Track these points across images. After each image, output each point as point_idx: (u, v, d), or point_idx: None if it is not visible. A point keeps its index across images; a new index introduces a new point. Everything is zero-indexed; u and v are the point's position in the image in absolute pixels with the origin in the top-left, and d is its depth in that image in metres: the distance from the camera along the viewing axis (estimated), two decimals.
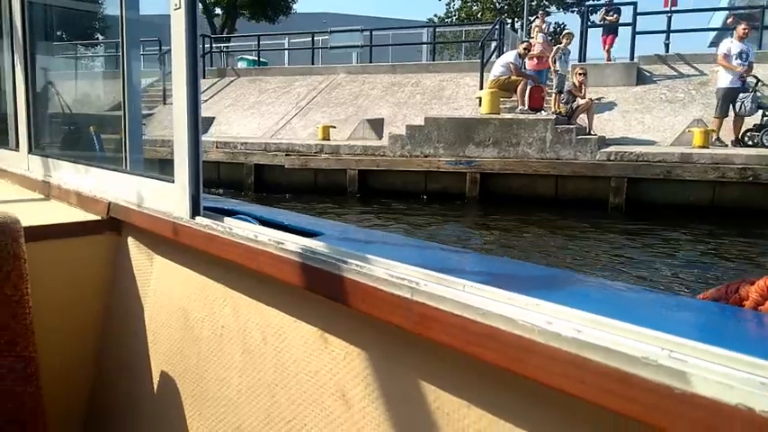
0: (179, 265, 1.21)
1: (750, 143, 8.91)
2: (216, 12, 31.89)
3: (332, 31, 16.16)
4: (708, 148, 8.60)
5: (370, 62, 16.14)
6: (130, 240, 1.38)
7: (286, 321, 0.92)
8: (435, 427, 0.68)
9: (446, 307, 0.62)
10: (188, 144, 1.12)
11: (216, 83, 16.49)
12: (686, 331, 0.48)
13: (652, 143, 9.99)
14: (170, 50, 1.13)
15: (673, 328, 0.49)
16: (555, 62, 10.25)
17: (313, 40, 16.52)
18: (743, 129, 9.18)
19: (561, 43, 10.17)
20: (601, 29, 13.36)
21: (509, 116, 9.40)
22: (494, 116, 9.40)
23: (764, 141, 8.69)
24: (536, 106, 9.58)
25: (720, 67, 9.35)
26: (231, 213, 1.13)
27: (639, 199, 8.44)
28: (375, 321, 0.72)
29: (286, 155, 10.49)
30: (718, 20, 23.67)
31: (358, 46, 16.04)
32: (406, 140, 9.85)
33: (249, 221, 1.07)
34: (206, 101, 15.55)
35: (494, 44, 14.23)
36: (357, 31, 15.89)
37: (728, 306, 0.65)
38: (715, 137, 9.01)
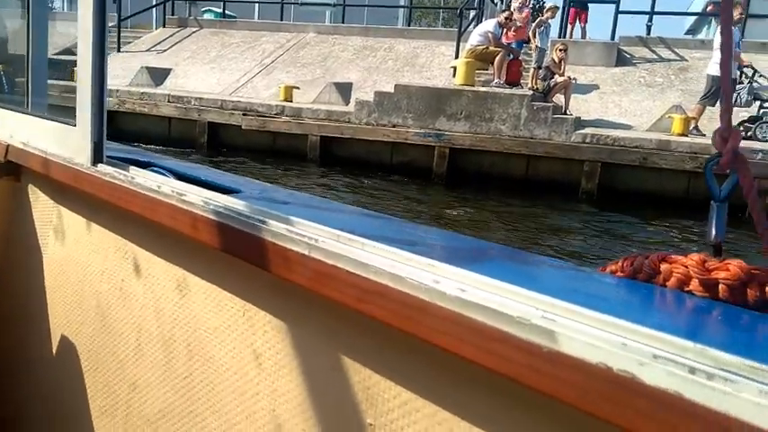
0: (79, 215, 1.18)
1: (744, 136, 8.55)
2: None
3: None
4: (687, 136, 8.24)
5: (343, 23, 15.29)
6: (30, 187, 1.33)
7: (187, 276, 0.90)
8: (335, 385, 0.70)
9: (342, 264, 0.62)
10: (92, 87, 1.05)
11: (176, 33, 15.39)
12: (564, 294, 0.49)
13: (628, 127, 9.61)
14: None
15: (552, 291, 0.50)
16: (535, 36, 9.64)
17: None
18: (735, 121, 8.81)
19: (543, 16, 9.56)
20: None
21: (484, 89, 8.84)
22: (468, 88, 8.83)
23: (758, 135, 8.32)
24: (513, 80, 9.04)
25: (715, 53, 8.88)
26: (145, 165, 1.08)
27: (612, 186, 8.06)
28: (274, 278, 0.72)
29: (244, 114, 9.74)
30: (696, 7, 23.49)
31: (330, 4, 15.13)
32: (374, 108, 9.22)
33: (163, 174, 1.01)
34: (164, 51, 14.51)
35: (473, 13, 13.58)
36: None
37: (617, 278, 0.65)
38: (693, 125, 8.65)
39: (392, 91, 9.19)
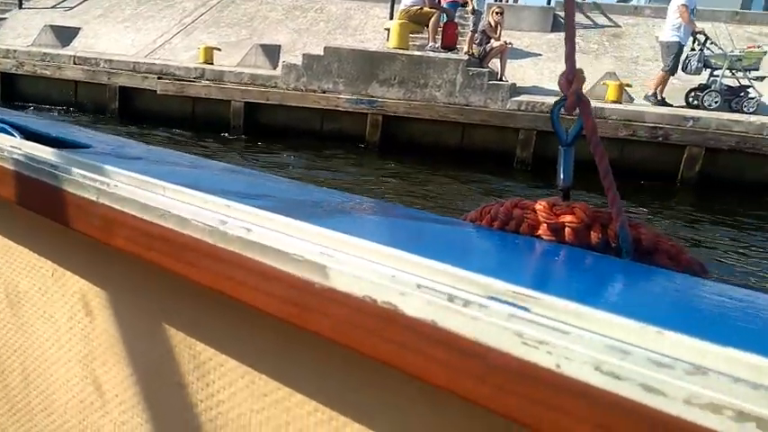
0: None
1: (695, 103, 8.47)
2: None
3: None
4: (620, 103, 8.14)
5: None
6: None
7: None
8: (115, 332, 0.71)
9: (131, 210, 0.59)
10: None
11: None
12: (352, 230, 0.47)
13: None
14: None
15: (348, 229, 0.48)
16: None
17: None
18: (685, 89, 8.67)
19: None
20: None
21: (418, 53, 8.40)
22: (402, 52, 8.36)
23: (705, 103, 8.24)
24: (449, 44, 8.63)
25: (672, 19, 8.62)
26: None
27: (546, 155, 7.88)
28: (75, 233, 0.67)
29: (159, 78, 8.91)
30: None
31: None
32: (302, 72, 8.62)
33: (6, 130, 0.91)
34: (72, 8, 13.19)
35: None
36: None
37: (472, 226, 0.64)
38: (652, 92, 8.45)
39: (322, 54, 8.60)
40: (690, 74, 8.57)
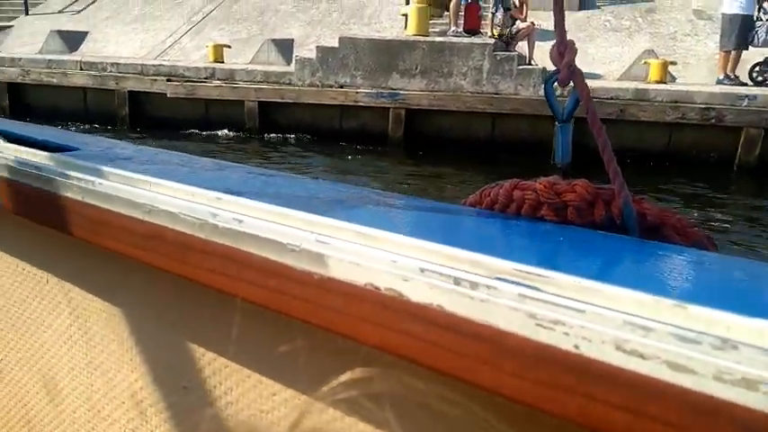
0: None
1: (760, 79, 7.68)
2: None
3: None
4: (665, 83, 7.47)
5: None
6: None
7: None
8: (117, 337, 0.69)
9: (118, 207, 0.57)
10: None
11: None
12: (350, 218, 0.45)
13: (597, 77, 8.80)
14: None
15: (341, 216, 0.46)
16: None
17: None
18: (751, 62, 7.77)
19: None
20: None
21: (440, 39, 7.82)
22: (422, 38, 7.79)
23: None
24: (472, 28, 8.02)
25: None
26: None
27: (586, 143, 7.25)
28: (50, 231, 0.66)
29: (168, 80, 8.47)
30: None
31: None
32: (317, 66, 8.10)
33: None
34: (79, 12, 12.84)
35: None
36: None
37: (473, 210, 0.63)
38: (723, 74, 7.70)
39: (337, 46, 8.07)
40: (757, 46, 7.73)
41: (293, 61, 9.01)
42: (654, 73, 7.57)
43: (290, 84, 8.28)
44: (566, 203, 0.56)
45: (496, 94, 7.45)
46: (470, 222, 0.59)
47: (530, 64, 8.33)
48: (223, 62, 9.21)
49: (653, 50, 8.75)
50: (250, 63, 9.75)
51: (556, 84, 0.59)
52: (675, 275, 0.44)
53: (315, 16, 11.74)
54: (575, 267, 0.39)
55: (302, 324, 0.45)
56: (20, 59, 9.26)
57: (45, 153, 0.71)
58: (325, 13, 11.83)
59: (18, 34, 12.22)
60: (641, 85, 7.28)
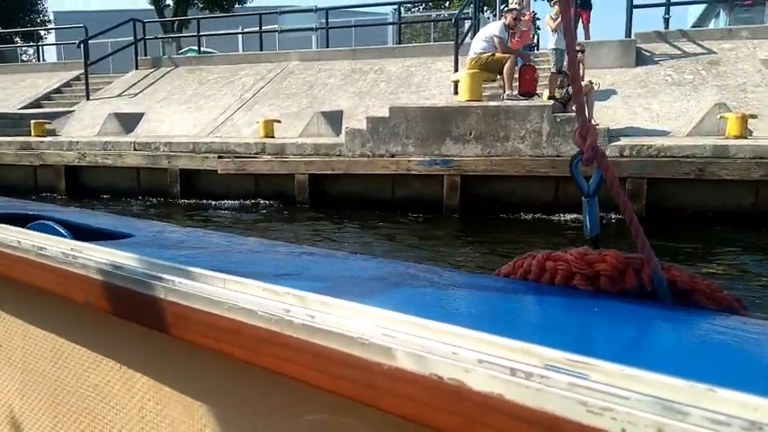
0: None
1: None
2: (167, 2, 29.47)
3: (281, 12, 14.03)
4: (746, 138, 6.86)
5: (328, 47, 14.11)
6: None
7: (60, 332, 0.87)
8: (194, 425, 0.70)
9: (198, 305, 0.61)
10: None
11: (149, 74, 14.25)
12: (418, 308, 0.52)
13: (665, 134, 8.25)
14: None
15: (407, 307, 0.52)
16: (555, 33, 8.15)
17: (260, 22, 14.35)
18: None
19: (555, 7, 8.13)
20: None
21: (495, 103, 7.51)
22: (476, 104, 7.50)
23: None
24: (528, 90, 7.70)
25: None
26: (34, 219, 1.07)
27: (663, 205, 6.66)
28: (135, 327, 0.70)
29: (219, 157, 8.43)
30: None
31: (312, 28, 13.96)
32: (368, 136, 7.90)
33: (54, 229, 0.99)
34: (136, 95, 13.34)
35: (468, 23, 12.40)
36: (310, 11, 13.82)
37: (507, 281, 0.67)
38: None
39: (387, 115, 7.88)
40: None
41: (343, 132, 8.89)
42: (732, 127, 6.98)
43: (340, 155, 8.09)
44: (598, 273, 0.60)
45: (558, 156, 7.00)
46: (513, 297, 0.63)
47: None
48: (273, 137, 9.17)
49: (724, 104, 8.18)
50: (300, 136, 9.70)
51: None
52: (708, 347, 0.47)
53: (362, 87, 11.76)
54: (616, 345, 0.45)
55: (374, 411, 0.47)
56: (77, 143, 9.49)
57: (121, 252, 0.73)
58: (372, 84, 11.84)
59: (79, 118, 12.72)
60: (720, 141, 6.70)
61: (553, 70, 8.23)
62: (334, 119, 10.34)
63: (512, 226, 6.99)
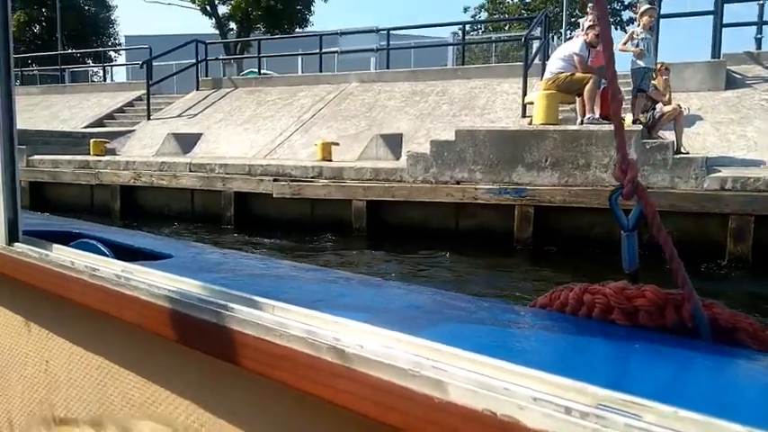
0: None
1: None
2: (230, 26, 30.21)
3: (342, 33, 13.79)
4: None
5: (388, 68, 13.74)
6: None
7: (108, 352, 0.89)
8: None
9: (249, 330, 0.62)
10: (2, 162, 0.99)
11: (209, 95, 14.26)
12: (465, 340, 0.53)
13: (762, 163, 7.35)
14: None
15: (453, 338, 0.53)
16: (638, 47, 7.32)
17: (321, 43, 14.16)
18: None
19: (641, 21, 7.34)
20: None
21: (574, 127, 6.83)
22: (553, 127, 6.84)
23: None
24: (610, 114, 6.97)
25: None
26: (75, 237, 1.09)
27: None
28: (185, 350, 0.70)
29: (274, 180, 8.06)
30: None
31: (373, 49, 13.64)
32: (431, 161, 7.35)
33: (96, 247, 1.03)
34: (195, 115, 13.33)
35: (536, 44, 11.76)
36: (371, 32, 13.52)
37: (544, 312, 0.67)
38: None
39: (453, 139, 7.32)
40: None
41: (403, 156, 8.37)
42: None
43: (401, 180, 7.57)
44: (636, 308, 0.60)
45: (648, 187, 6.22)
46: (556, 331, 0.63)
47: (679, 152, 7.09)
48: (331, 159, 8.76)
49: None
50: (358, 159, 9.27)
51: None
52: (749, 389, 0.47)
53: (424, 110, 11.27)
54: (665, 386, 0.45)
55: None
56: (133, 162, 9.36)
57: (171, 275, 0.75)
58: (434, 106, 11.34)
59: (139, 137, 12.77)
60: None
61: (636, 91, 7.47)
62: (393, 142, 9.87)
63: (591, 263, 6.25)
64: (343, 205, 7.75)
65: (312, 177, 8.05)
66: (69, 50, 26.57)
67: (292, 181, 8.03)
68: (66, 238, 1.04)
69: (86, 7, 34.01)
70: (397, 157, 9.35)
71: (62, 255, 0.89)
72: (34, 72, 23.19)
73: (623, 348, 0.56)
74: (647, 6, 7.28)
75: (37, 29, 31.72)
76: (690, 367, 0.52)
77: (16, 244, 0.99)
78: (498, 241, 6.92)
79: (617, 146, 0.64)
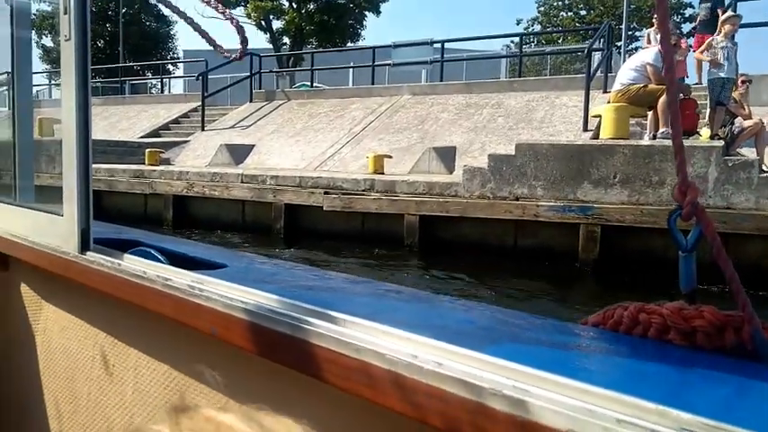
0: (68, 303, 1.17)
1: None
2: (284, 41, 30.73)
3: (395, 45, 13.64)
4: None
5: (441, 80, 13.48)
6: (18, 277, 1.33)
7: (175, 361, 0.90)
8: None
9: (324, 343, 0.63)
10: (77, 174, 1.01)
11: (262, 107, 14.34)
12: (536, 359, 0.50)
13: None
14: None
15: (530, 353, 0.56)
16: (720, 58, 6.80)
17: (374, 56, 14.05)
18: None
19: (722, 29, 6.81)
20: None
21: (647, 143, 6.37)
22: (623, 142, 6.40)
23: None
24: (688, 128, 6.46)
25: None
26: (134, 245, 1.12)
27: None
28: (258, 360, 0.71)
29: (325, 193, 7.88)
30: None
31: (426, 62, 13.42)
32: (489, 176, 7.01)
33: (152, 255, 1.05)
34: (248, 127, 13.40)
35: (597, 56, 11.29)
36: (426, 44, 13.31)
37: (598, 330, 0.66)
38: None
39: (513, 153, 6.96)
40: None
41: (458, 170, 8.06)
42: None
43: (456, 195, 7.25)
44: (694, 329, 0.59)
45: (729, 208, 5.72)
46: (620, 351, 0.62)
47: (762, 169, 6.52)
48: (383, 172, 8.54)
49: None
50: (410, 172, 9.01)
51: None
52: None
53: (478, 122, 10.94)
54: (742, 412, 0.45)
55: None
56: (187, 172, 9.38)
57: (241, 287, 0.77)
58: (489, 119, 10.99)
59: (193, 148, 12.91)
60: None
61: (713, 104, 6.94)
62: (446, 155, 9.57)
63: (663, 286, 5.76)
64: (395, 220, 7.48)
65: (363, 190, 7.83)
66: (130, 63, 27.52)
67: (343, 194, 7.83)
68: (126, 246, 1.07)
69: (147, 23, 35.33)
70: (451, 171, 9.05)
71: (133, 264, 0.92)
72: (97, 84, 24.08)
73: (691, 371, 0.55)
74: (731, 14, 6.76)
75: (101, 43, 33.08)
76: (750, 391, 0.52)
77: (88, 253, 1.02)
78: (560, 261, 6.50)
79: (677, 166, 0.62)
